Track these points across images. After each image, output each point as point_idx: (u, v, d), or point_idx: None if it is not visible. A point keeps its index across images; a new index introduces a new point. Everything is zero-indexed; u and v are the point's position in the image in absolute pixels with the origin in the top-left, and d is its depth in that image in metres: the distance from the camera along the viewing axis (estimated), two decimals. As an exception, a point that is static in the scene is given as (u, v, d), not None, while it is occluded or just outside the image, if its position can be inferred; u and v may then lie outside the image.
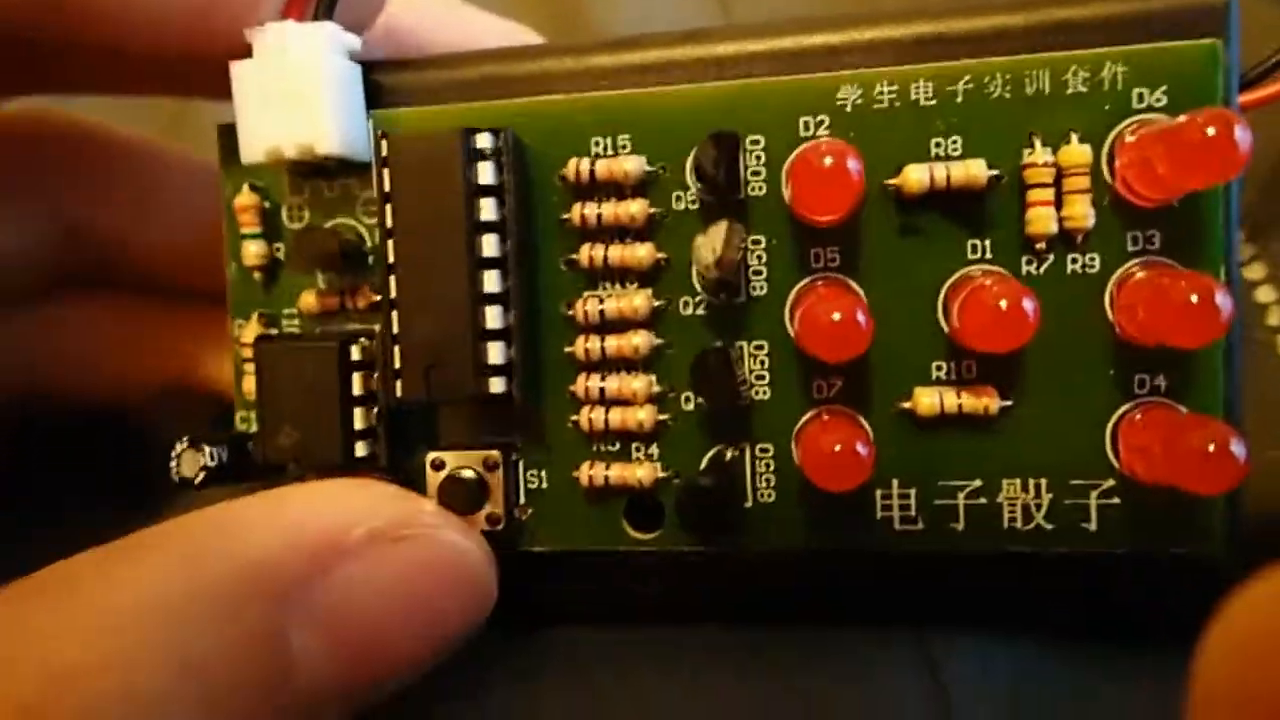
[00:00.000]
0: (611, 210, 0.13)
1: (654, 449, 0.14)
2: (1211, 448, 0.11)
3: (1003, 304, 0.11)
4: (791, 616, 0.14)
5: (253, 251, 0.14)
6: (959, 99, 0.13)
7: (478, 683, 0.14)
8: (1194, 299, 0.11)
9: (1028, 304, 0.11)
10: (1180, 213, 0.12)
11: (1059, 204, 0.12)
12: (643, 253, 0.13)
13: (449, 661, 0.13)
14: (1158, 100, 0.12)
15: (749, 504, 0.14)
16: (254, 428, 0.14)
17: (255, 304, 0.15)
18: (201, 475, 0.13)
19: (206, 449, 0.13)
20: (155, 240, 0.18)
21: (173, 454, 0.13)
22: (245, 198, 0.14)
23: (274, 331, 0.14)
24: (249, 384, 0.14)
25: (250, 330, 0.14)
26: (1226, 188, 0.12)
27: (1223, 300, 0.11)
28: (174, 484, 0.13)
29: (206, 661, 0.10)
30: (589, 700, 0.14)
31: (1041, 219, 0.12)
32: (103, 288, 0.19)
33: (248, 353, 0.14)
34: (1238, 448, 0.11)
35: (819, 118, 0.13)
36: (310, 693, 0.11)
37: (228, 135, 0.14)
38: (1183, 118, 0.11)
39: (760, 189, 0.13)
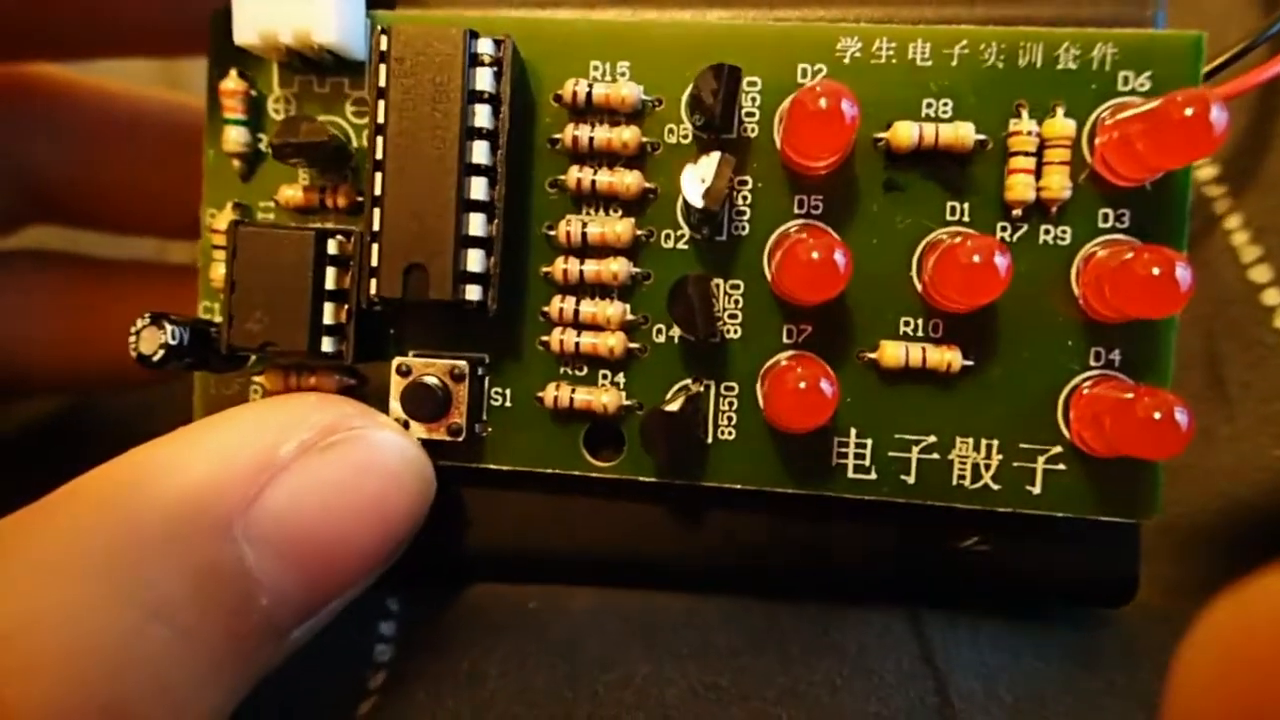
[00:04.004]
0: (604, 135, 0.13)
1: (621, 377, 0.14)
2: (1158, 415, 0.11)
3: (976, 258, 0.12)
4: (742, 561, 0.14)
5: (234, 138, 0.14)
6: (954, 63, 0.13)
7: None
8: (1156, 271, 0.11)
9: (1000, 259, 0.12)
10: (1152, 194, 0.13)
11: (1039, 175, 0.13)
12: (630, 180, 0.13)
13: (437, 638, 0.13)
14: (1142, 85, 0.13)
15: (710, 440, 0.14)
16: (218, 317, 0.14)
17: (231, 193, 0.14)
18: (161, 353, 0.13)
19: (168, 326, 0.13)
20: (105, 179, 0.18)
21: (131, 330, 0.13)
22: (232, 82, 0.14)
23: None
24: (216, 272, 0.14)
25: (224, 218, 0.14)
26: (1188, 172, 0.13)
27: (1183, 274, 0.11)
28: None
29: (170, 600, 0.10)
30: (569, 672, 0.13)
31: (1021, 186, 0.13)
32: (55, 262, 0.19)
33: (219, 240, 0.14)
34: (1182, 416, 0.11)
35: (816, 66, 0.13)
36: (277, 609, 0.11)
37: (220, 21, 0.14)
38: (1163, 98, 0.12)
39: (753, 130, 0.13)
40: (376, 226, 0.13)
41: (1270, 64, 0.13)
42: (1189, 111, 0.11)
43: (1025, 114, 0.13)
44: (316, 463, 0.12)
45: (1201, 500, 0.16)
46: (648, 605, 0.14)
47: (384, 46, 0.13)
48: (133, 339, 0.13)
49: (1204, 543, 0.16)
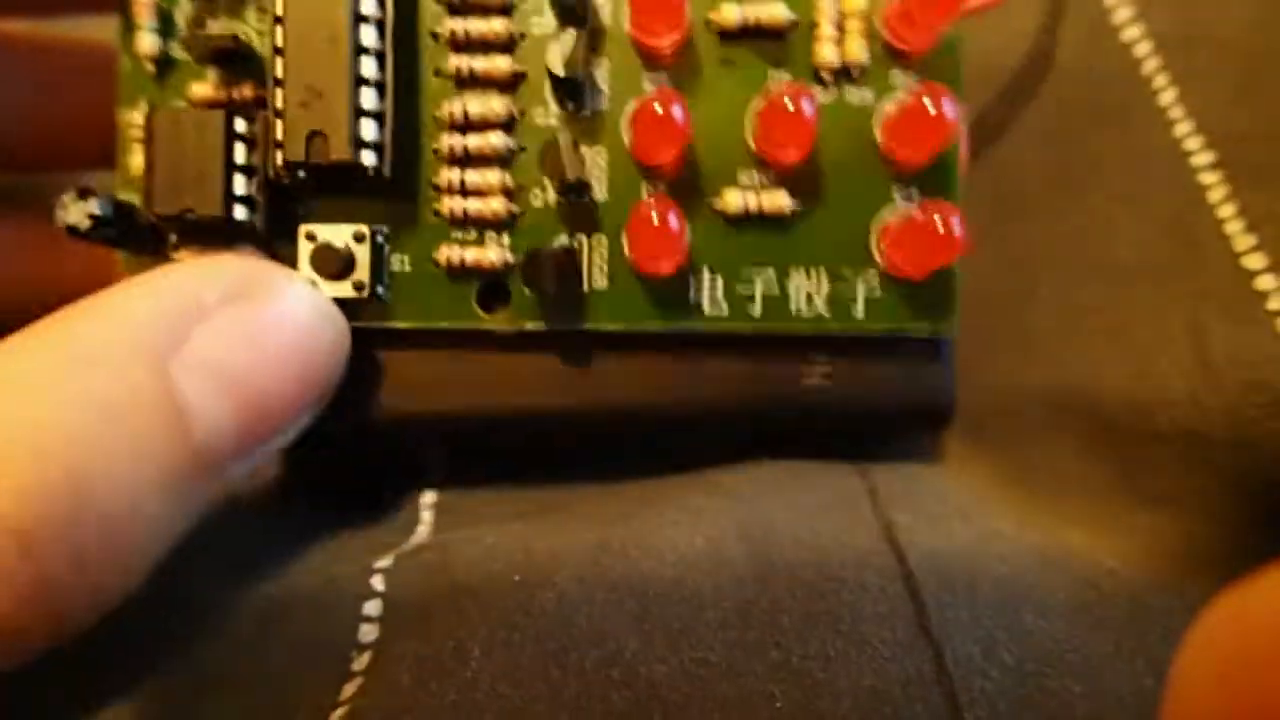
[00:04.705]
0: (478, 27, 0.16)
1: (506, 237, 0.16)
2: (939, 220, 0.14)
3: (787, 100, 0.14)
4: (622, 401, 0.16)
5: (147, 43, 0.16)
6: (768, -45, 0.16)
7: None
8: (929, 105, 0.14)
9: (806, 104, 0.14)
10: (931, 58, 0.16)
11: (841, 45, 0.15)
12: (503, 64, 0.16)
13: None
14: (917, -35, 0.15)
15: (586, 289, 0.16)
16: (138, 201, 0.16)
17: (144, 93, 0.16)
18: (88, 222, 0.14)
19: (94, 199, 0.14)
20: (55, 116, 0.19)
21: (57, 205, 0.14)
22: (141, -8, 0.16)
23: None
24: (134, 159, 0.16)
25: (138, 114, 0.16)
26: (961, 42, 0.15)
27: (949, 108, 0.14)
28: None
29: (118, 410, 0.12)
30: (556, 649, 0.13)
31: (826, 54, 0.15)
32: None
33: (135, 132, 0.16)
34: (956, 223, 0.14)
35: (656, -39, 0.16)
36: (212, 442, 0.13)
37: None
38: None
39: (607, 20, 0.16)
40: (280, 104, 0.15)
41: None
42: (944, -26, 0.14)
43: (828, -6, 0.16)
44: (238, 309, 0.13)
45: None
46: (633, 571, 0.14)
47: (274, -54, 0.15)
48: (60, 211, 0.14)
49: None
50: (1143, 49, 0.18)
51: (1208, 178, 0.17)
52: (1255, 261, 0.16)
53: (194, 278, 0.13)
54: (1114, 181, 0.18)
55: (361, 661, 0.14)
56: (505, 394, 0.17)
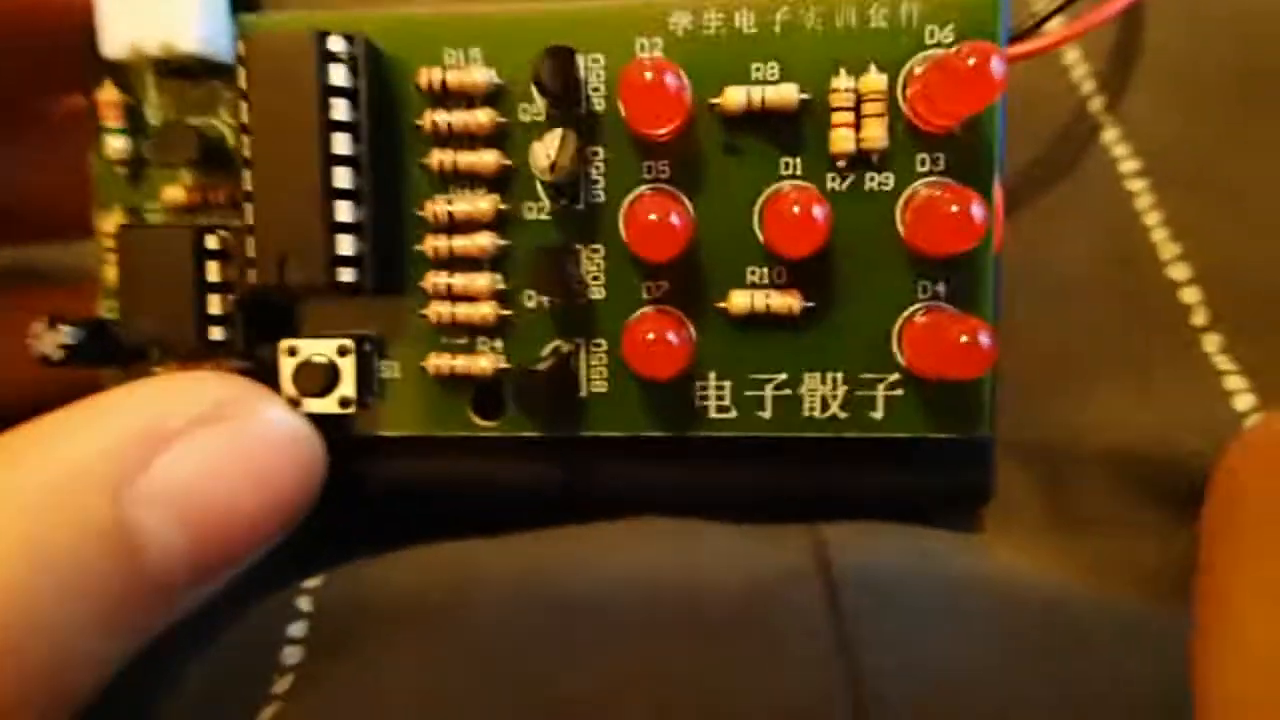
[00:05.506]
0: (462, 118, 0.14)
1: (498, 342, 0.15)
2: (964, 338, 0.13)
3: (796, 209, 0.13)
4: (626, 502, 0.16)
5: (115, 146, 0.15)
6: (776, 29, 0.14)
7: None
8: (955, 209, 0.13)
9: (817, 210, 0.13)
10: (961, 138, 0.14)
11: (859, 128, 0.14)
12: (489, 159, 0.14)
13: None
14: (946, 37, 0.14)
15: (584, 394, 0.15)
16: (117, 315, 0.15)
17: (118, 197, 0.15)
18: (61, 353, 0.14)
19: (63, 328, 0.14)
20: (42, 182, 0.18)
21: (29, 334, 0.14)
22: (107, 93, 0.15)
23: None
24: (110, 273, 0.15)
25: (113, 220, 0.15)
26: (995, 121, 0.14)
27: (978, 211, 0.13)
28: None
29: (56, 557, 0.11)
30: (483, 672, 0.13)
31: (842, 139, 0.14)
32: None
33: (110, 242, 0.15)
34: (985, 338, 0.13)
35: (653, 39, 0.14)
36: (165, 570, 0.12)
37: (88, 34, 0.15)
38: (950, 50, 0.13)
39: (601, 105, 0.14)
40: (250, 220, 0.14)
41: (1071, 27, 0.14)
42: (971, 61, 0.12)
43: (843, 72, 0.14)
44: (205, 434, 0.13)
45: None
46: (557, 589, 0.14)
47: (241, 52, 0.14)
48: (33, 342, 0.14)
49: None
50: (1071, 57, 0.18)
51: (1134, 184, 0.17)
52: (1179, 272, 0.16)
53: (161, 399, 0.13)
54: (1043, 192, 0.17)
55: (283, 684, 0.14)
56: (498, 499, 0.16)
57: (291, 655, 0.14)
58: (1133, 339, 0.16)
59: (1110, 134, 0.17)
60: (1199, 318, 0.16)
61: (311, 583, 0.15)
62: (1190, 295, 0.16)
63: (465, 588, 0.14)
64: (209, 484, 0.13)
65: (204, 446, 0.13)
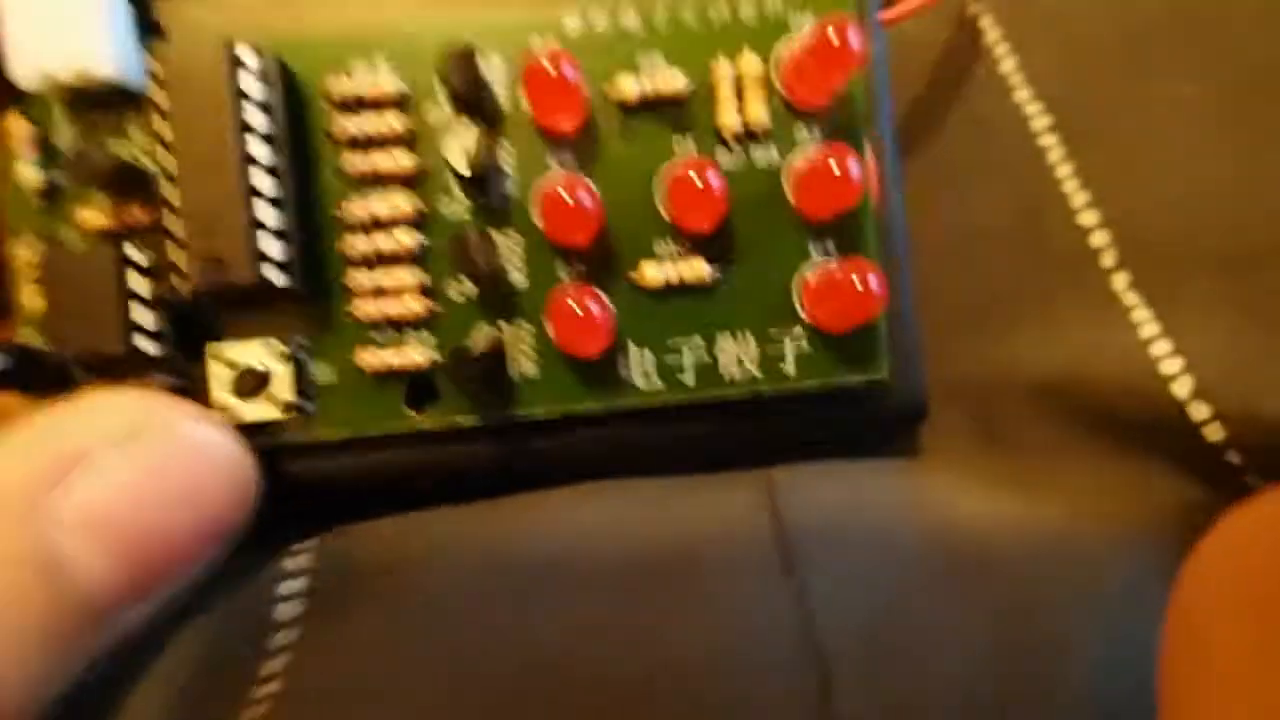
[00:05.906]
0: (373, 124, 0.15)
1: (426, 334, 0.16)
2: (857, 285, 0.14)
3: (696, 180, 0.14)
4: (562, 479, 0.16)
5: (27, 176, 0.15)
6: (658, 25, 0.15)
7: None
8: (834, 166, 0.14)
9: (713, 177, 0.14)
10: (834, 109, 0.16)
11: (741, 109, 0.15)
12: (405, 160, 0.15)
13: None
14: (807, 19, 0.15)
15: (515, 377, 0.16)
16: (38, 340, 0.15)
17: (30, 225, 0.15)
18: (-14, 378, 0.14)
19: (-12, 353, 0.14)
20: None
21: (-48, 363, 0.14)
22: (15, 122, 0.15)
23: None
24: (29, 296, 0.15)
25: (26, 245, 0.15)
26: (866, 88, 0.15)
27: (855, 171, 0.14)
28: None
29: None
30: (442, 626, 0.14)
31: (727, 117, 0.15)
32: None
33: (26, 269, 0.15)
34: (874, 282, 0.14)
35: (547, 39, 0.15)
36: (95, 596, 0.12)
37: None
38: (815, 28, 0.14)
39: (507, 104, 0.16)
40: (175, 229, 0.14)
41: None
42: (830, 32, 0.14)
43: (723, 58, 0.15)
44: (121, 453, 0.13)
45: None
46: (513, 544, 0.15)
47: (154, 70, 0.14)
48: (-46, 370, 0.14)
49: None
50: (986, 21, 0.19)
51: (1046, 140, 0.18)
52: (1089, 219, 0.17)
53: (77, 422, 0.13)
54: (961, 149, 0.18)
55: (275, 665, 0.14)
56: (441, 491, 0.16)
57: (287, 611, 0.15)
58: (1047, 281, 0.17)
59: (1022, 94, 0.18)
60: (1108, 259, 0.16)
61: (301, 550, 0.15)
62: (1099, 239, 0.17)
63: (428, 556, 0.14)
64: (126, 503, 0.12)
65: (119, 466, 0.12)
